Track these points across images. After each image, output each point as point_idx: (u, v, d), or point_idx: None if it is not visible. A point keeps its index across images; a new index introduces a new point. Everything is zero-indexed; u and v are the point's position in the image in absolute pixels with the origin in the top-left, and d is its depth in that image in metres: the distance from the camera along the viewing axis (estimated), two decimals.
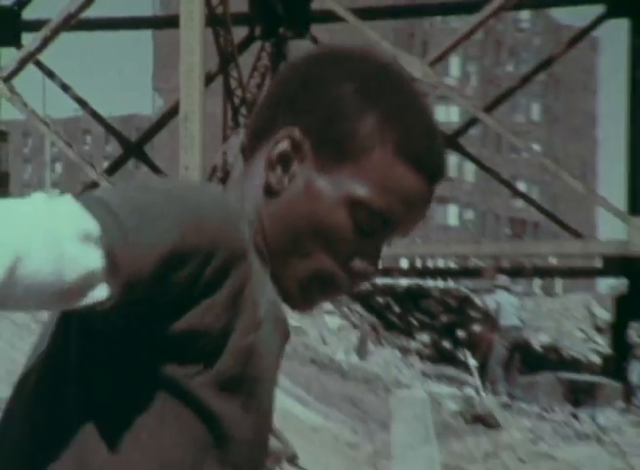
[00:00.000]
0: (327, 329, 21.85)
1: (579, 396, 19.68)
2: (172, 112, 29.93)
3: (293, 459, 1.93)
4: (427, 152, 1.42)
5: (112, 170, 32.32)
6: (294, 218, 1.38)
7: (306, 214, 1.37)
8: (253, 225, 1.38)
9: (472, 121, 31.96)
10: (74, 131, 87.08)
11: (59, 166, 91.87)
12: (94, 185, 30.59)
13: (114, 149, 64.79)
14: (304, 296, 1.45)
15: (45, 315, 1.41)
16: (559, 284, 40.62)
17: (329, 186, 1.38)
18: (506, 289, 21.56)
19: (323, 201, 1.37)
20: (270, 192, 1.40)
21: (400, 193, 1.41)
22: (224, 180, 28.06)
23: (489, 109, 30.44)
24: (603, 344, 30.50)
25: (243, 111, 29.61)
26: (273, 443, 1.72)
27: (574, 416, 18.03)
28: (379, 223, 1.41)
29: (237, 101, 29.54)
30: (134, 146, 32.85)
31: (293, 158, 1.38)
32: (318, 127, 1.38)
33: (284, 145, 1.39)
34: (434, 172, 1.44)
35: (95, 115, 33.06)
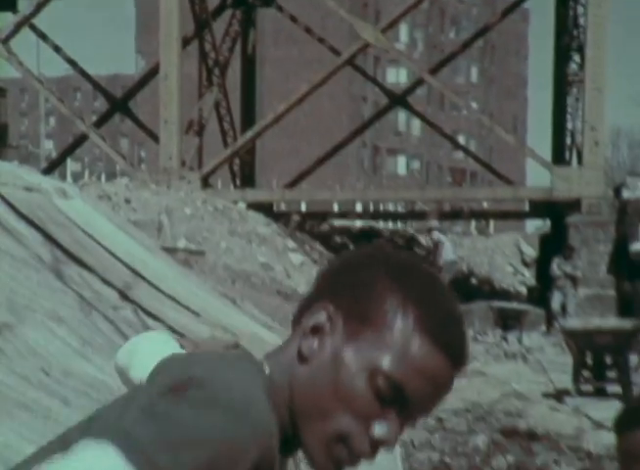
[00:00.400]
0: (291, 265, 21.86)
1: (508, 321, 19.83)
2: (153, 72, 29.77)
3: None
4: (447, 332, 1.38)
5: (99, 123, 32.12)
6: (320, 384, 1.35)
7: (331, 380, 1.34)
8: (283, 392, 1.37)
9: (418, 82, 31.90)
10: (66, 89, 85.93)
11: (52, 120, 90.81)
12: (84, 137, 30.44)
13: (101, 105, 63.98)
14: (329, 459, 1.37)
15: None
16: (492, 225, 40.82)
17: (353, 355, 1.34)
18: (440, 230, 21.67)
19: (346, 368, 1.33)
20: (302, 358, 1.38)
21: (419, 367, 1.35)
22: (200, 133, 27.96)
23: (434, 71, 30.41)
24: (529, 276, 30.81)
25: (216, 71, 29.43)
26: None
27: (504, 339, 18.24)
28: (398, 394, 1.34)
29: (211, 63, 29.35)
30: (119, 102, 32.62)
31: (325, 329, 1.37)
32: (350, 303, 1.37)
33: (318, 317, 1.37)
34: (453, 353, 1.38)
35: (84, 73, 32.76)
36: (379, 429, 1.33)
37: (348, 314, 1.36)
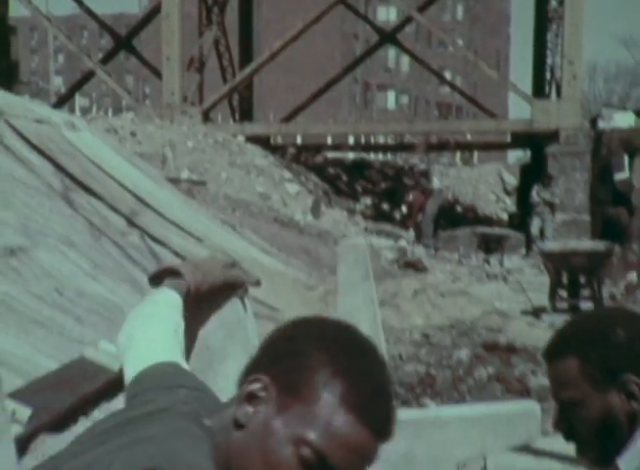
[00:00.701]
0: (287, 194, 21.84)
1: (490, 245, 19.88)
2: (155, 11, 29.33)
3: (257, 284, 2.00)
4: (372, 408, 1.37)
5: (105, 61, 31.78)
6: (252, 450, 1.36)
7: (261, 448, 1.34)
8: (224, 455, 1.39)
9: (407, 20, 31.57)
10: (73, 27, 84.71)
11: (61, 57, 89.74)
12: (91, 73, 30.18)
13: (107, 43, 63.18)
14: None
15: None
16: (475, 156, 40.73)
17: (282, 425, 1.35)
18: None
19: (275, 437, 1.34)
20: (237, 424, 1.39)
21: (343, 440, 1.34)
22: (200, 70, 27.70)
23: (422, 9, 30.02)
24: (510, 204, 30.87)
25: (215, 10, 29.01)
26: (238, 273, 1.78)
27: (486, 261, 18.33)
28: (322, 464, 1.33)
29: (210, 2, 28.92)
30: (124, 40, 32.25)
31: (259, 398, 1.37)
32: (284, 374, 1.37)
33: (254, 386, 1.38)
34: (377, 427, 1.37)
35: (90, 12, 32.31)
36: None
37: (282, 385, 1.36)
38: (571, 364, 1.98)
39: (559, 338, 2.06)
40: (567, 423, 2.00)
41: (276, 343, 1.44)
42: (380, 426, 1.37)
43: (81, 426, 3.98)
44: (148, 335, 1.74)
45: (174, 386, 1.55)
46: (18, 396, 3.79)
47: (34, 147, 9.07)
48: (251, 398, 1.38)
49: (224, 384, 2.07)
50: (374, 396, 1.38)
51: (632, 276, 12.47)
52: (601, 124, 19.87)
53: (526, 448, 4.92)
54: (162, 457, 1.25)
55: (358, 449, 1.35)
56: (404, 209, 21.88)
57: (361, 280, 4.20)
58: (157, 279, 1.87)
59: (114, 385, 4.33)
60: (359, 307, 4.17)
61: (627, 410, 1.94)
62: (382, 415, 1.38)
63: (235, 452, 1.38)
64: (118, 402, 4.44)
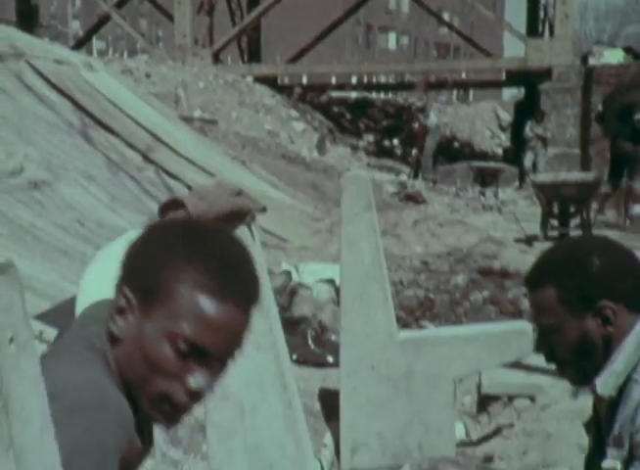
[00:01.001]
0: (294, 132, 21.78)
1: (486, 178, 19.85)
2: None
3: (263, 210, 1.98)
4: (224, 283, 1.34)
5: (120, 5, 31.27)
6: (134, 358, 1.34)
7: (140, 353, 1.32)
8: (114, 370, 1.36)
9: None
10: None
11: (78, 1, 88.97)
12: (107, 17, 29.81)
13: None
14: (161, 416, 1.37)
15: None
16: (471, 94, 40.41)
17: (151, 327, 1.32)
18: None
19: (149, 340, 1.31)
20: (115, 339, 1.36)
21: (207, 323, 1.32)
22: (210, 13, 27.39)
23: None
24: (505, 139, 30.69)
25: None
26: (244, 201, 1.76)
27: (482, 194, 18.31)
28: (198, 350, 1.32)
29: None
30: None
31: (125, 309, 1.34)
32: (139, 281, 1.34)
33: (119, 300, 1.36)
34: (235, 300, 1.34)
35: None
36: (192, 382, 1.33)
37: (140, 291, 1.33)
38: (549, 293, 1.97)
39: (538, 268, 2.06)
40: (547, 346, 2.03)
41: (129, 254, 1.40)
42: (238, 298, 1.35)
43: None
44: (99, 274, 1.68)
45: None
46: (44, 318, 3.82)
47: (54, 86, 9.01)
48: (119, 312, 1.36)
49: None
50: (225, 271, 1.35)
51: (638, 209, 12.44)
52: (591, 61, 19.67)
53: (518, 365, 4.97)
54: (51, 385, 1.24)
55: (224, 326, 1.34)
56: (399, 140, 21.76)
57: (364, 210, 4.18)
58: (163, 211, 1.85)
59: None
60: (362, 236, 4.16)
61: (603, 334, 1.96)
62: (238, 287, 1.35)
63: (122, 365, 1.36)
64: None
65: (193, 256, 1.35)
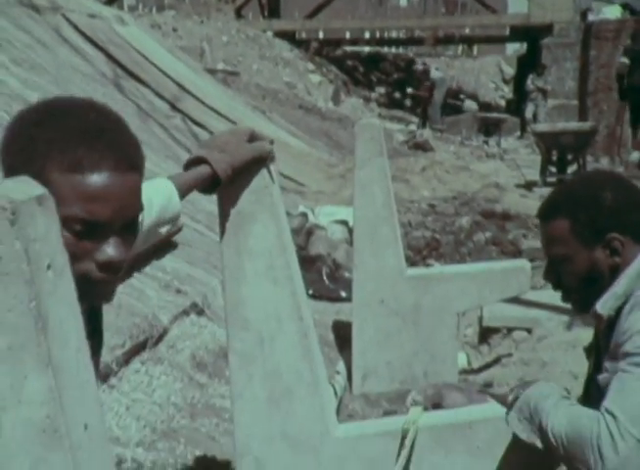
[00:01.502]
0: (311, 83, 21.63)
1: (489, 128, 19.75)
2: None
3: (272, 143, 1.96)
4: (89, 156, 1.23)
5: None
6: None
7: None
8: None
9: None
10: None
11: None
12: None
13: None
14: (91, 295, 1.29)
15: None
16: (476, 49, 39.92)
17: None
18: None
19: None
20: None
21: (86, 195, 1.23)
22: None
23: None
24: (507, 91, 30.40)
25: None
26: (261, 145, 1.71)
27: (485, 142, 18.18)
28: (89, 225, 1.24)
29: None
30: None
31: None
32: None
33: None
34: (106, 165, 1.24)
35: None
36: (99, 256, 1.25)
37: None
38: (562, 224, 1.97)
39: (552, 201, 2.05)
40: (555, 275, 2.03)
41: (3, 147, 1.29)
42: (107, 164, 1.25)
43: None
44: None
45: None
46: None
47: (89, 39, 8.94)
48: None
49: (254, 242, 2.07)
50: (86, 144, 1.24)
51: (637, 155, 12.31)
52: (590, 17, 19.36)
53: (517, 300, 4.97)
54: None
55: (104, 195, 1.25)
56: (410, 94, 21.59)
57: (376, 156, 4.15)
58: (187, 168, 1.78)
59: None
60: (374, 180, 4.13)
61: (610, 264, 1.96)
62: (103, 155, 1.24)
63: None
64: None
65: (53, 138, 1.24)
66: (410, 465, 2.10)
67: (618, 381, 1.79)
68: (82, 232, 1.24)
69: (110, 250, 1.27)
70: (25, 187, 0.92)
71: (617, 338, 1.91)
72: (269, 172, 2.06)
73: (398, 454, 2.08)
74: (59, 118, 1.27)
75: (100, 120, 1.28)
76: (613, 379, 1.82)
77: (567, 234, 1.97)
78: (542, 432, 1.86)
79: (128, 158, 1.28)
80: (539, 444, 1.88)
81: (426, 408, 2.24)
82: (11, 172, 1.22)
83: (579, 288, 2.00)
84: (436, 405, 2.31)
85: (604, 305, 1.96)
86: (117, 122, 1.32)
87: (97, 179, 1.24)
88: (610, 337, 1.97)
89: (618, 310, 1.94)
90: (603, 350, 2.03)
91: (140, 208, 1.34)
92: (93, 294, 1.31)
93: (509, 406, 1.98)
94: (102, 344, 1.53)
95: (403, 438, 2.10)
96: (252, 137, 1.94)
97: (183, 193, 1.75)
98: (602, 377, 1.96)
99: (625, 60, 11.52)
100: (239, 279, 2.09)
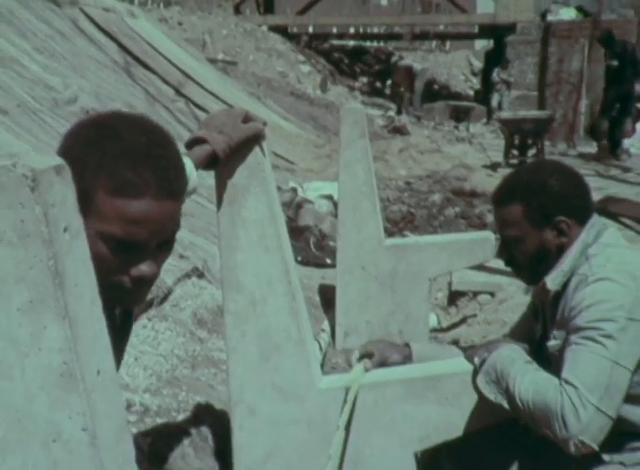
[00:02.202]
0: (301, 73, 21.46)
1: (460, 115, 19.71)
2: None
3: (265, 124, 1.92)
4: (122, 178, 1.20)
5: None
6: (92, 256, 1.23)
7: (91, 253, 1.16)
8: None
9: None
10: None
11: None
12: None
13: None
14: (119, 301, 1.30)
15: None
16: (448, 44, 39.71)
17: (90, 229, 1.16)
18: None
19: (91, 241, 1.11)
20: None
21: (127, 219, 1.20)
22: None
23: None
24: (476, 82, 30.27)
25: None
26: (256, 125, 1.68)
27: (456, 128, 18.14)
28: (127, 243, 1.22)
29: None
30: None
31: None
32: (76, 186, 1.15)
33: None
34: (150, 192, 1.21)
35: None
36: (133, 271, 1.25)
37: (78, 196, 1.15)
38: (516, 209, 1.98)
39: (505, 188, 2.05)
40: (508, 253, 2.04)
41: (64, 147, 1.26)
42: (151, 191, 1.21)
43: None
44: None
45: None
46: None
47: (103, 30, 8.83)
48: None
49: (247, 213, 2.06)
50: (134, 169, 1.20)
51: (627, 142, 12.28)
52: (549, 17, 19.31)
53: (482, 267, 4.98)
54: None
55: (145, 220, 1.22)
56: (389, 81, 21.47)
57: (359, 137, 4.12)
58: (189, 147, 1.76)
59: None
60: (357, 159, 4.11)
61: (557, 244, 1.98)
62: (149, 181, 1.21)
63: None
64: None
65: (104, 159, 1.20)
66: (353, 420, 2.08)
67: (573, 353, 1.79)
68: (119, 249, 1.23)
69: (143, 267, 1.26)
70: (45, 158, 0.91)
71: (566, 311, 1.91)
72: (262, 150, 2.04)
73: (342, 411, 2.06)
74: (110, 139, 1.22)
75: (149, 145, 1.24)
76: (567, 351, 1.81)
77: (520, 218, 1.97)
78: (509, 396, 1.84)
79: (170, 185, 1.24)
80: (506, 405, 1.86)
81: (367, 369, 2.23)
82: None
83: (529, 265, 2.01)
84: (382, 364, 2.29)
85: (553, 282, 1.97)
86: (165, 147, 1.27)
87: (138, 205, 1.21)
88: (556, 308, 1.98)
89: (564, 285, 1.95)
90: (549, 319, 2.04)
91: (176, 228, 1.31)
92: (125, 300, 1.31)
93: (476, 369, 1.96)
94: (129, 334, 1.53)
95: (346, 394, 2.09)
96: (247, 118, 1.92)
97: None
98: (551, 344, 1.96)
99: (615, 62, 11.48)
100: (233, 246, 2.07)
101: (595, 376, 1.72)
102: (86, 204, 1.19)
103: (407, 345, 2.37)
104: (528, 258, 1.99)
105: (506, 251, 2.04)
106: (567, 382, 1.73)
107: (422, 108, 20.45)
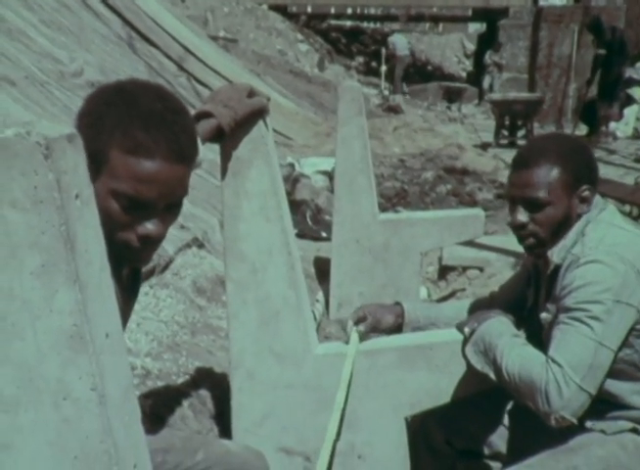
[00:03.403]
0: (299, 52, 21.29)
1: (452, 96, 19.65)
2: None
3: (268, 100, 1.90)
4: (149, 142, 1.22)
5: None
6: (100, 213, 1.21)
7: (99, 211, 1.12)
8: None
9: None
10: None
11: None
12: None
13: None
14: (127, 258, 1.31)
15: None
16: (442, 27, 39.45)
17: (101, 187, 1.20)
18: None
19: (101, 199, 1.17)
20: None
21: (138, 177, 1.22)
22: None
23: None
24: (468, 64, 30.12)
25: None
26: (260, 99, 1.66)
27: (448, 108, 18.11)
28: (138, 202, 1.24)
29: None
30: None
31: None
32: (86, 148, 1.11)
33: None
34: (162, 154, 1.23)
35: None
36: (140, 230, 1.26)
37: (89, 157, 1.12)
38: (550, 171, 1.88)
39: (539, 149, 1.93)
40: (526, 217, 1.92)
41: (77, 121, 1.28)
42: (164, 153, 1.23)
43: None
44: None
45: None
46: None
47: (107, 5, 8.73)
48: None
49: (250, 185, 2.06)
50: (148, 131, 1.22)
51: (613, 125, 12.25)
52: (541, 2, 19.23)
53: (472, 243, 4.99)
54: None
55: (156, 180, 1.23)
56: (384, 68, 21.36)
57: (356, 114, 4.10)
58: (196, 119, 1.74)
59: None
60: (354, 136, 4.10)
61: (579, 213, 1.93)
62: (162, 144, 1.23)
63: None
64: None
65: (121, 120, 1.22)
66: (350, 387, 2.09)
67: (561, 332, 1.78)
68: (129, 207, 1.24)
69: (150, 226, 1.27)
70: (58, 127, 0.90)
71: (558, 289, 1.90)
72: (265, 124, 2.04)
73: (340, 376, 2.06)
74: (128, 103, 1.24)
75: (164, 111, 1.25)
76: (555, 329, 1.81)
77: (553, 180, 1.88)
78: (496, 367, 1.85)
79: (181, 150, 1.26)
80: (492, 376, 1.87)
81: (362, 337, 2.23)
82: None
83: (550, 230, 1.92)
84: (374, 329, 2.30)
85: (558, 255, 1.94)
86: (179, 114, 1.28)
87: (149, 165, 1.23)
88: (552, 282, 1.96)
89: (562, 260, 1.93)
90: (545, 291, 2.04)
91: (184, 193, 1.31)
92: (131, 259, 1.33)
93: (466, 338, 1.96)
94: (137, 295, 1.54)
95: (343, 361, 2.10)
96: (251, 93, 1.91)
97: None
98: (543, 316, 1.96)
99: (602, 51, 11.41)
100: (236, 217, 2.08)
101: (580, 356, 1.73)
102: (101, 162, 1.22)
103: (398, 303, 2.37)
104: (552, 223, 1.91)
105: (525, 215, 1.92)
106: (553, 360, 1.74)
107: (403, 90, 20.43)
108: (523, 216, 1.93)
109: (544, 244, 1.96)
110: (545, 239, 1.95)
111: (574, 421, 1.74)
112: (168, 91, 1.33)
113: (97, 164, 1.20)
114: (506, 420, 2.18)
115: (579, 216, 1.94)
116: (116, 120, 1.23)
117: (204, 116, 1.76)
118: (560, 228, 1.94)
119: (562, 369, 1.72)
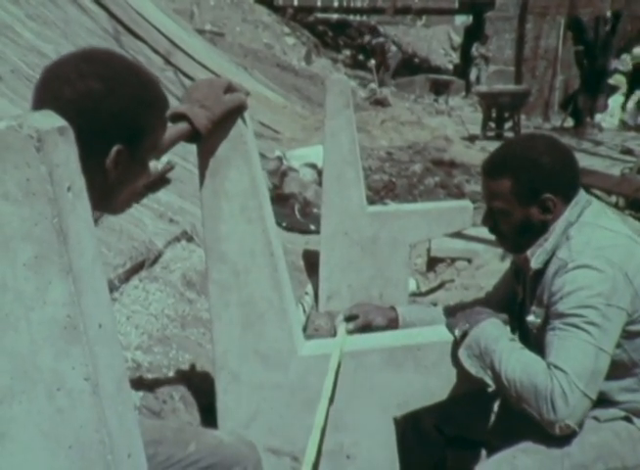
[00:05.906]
0: (286, 45, 21.21)
1: (439, 88, 19.67)
2: None
3: (247, 94, 1.88)
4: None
5: None
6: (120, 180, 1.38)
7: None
8: None
9: None
10: None
11: None
12: None
13: None
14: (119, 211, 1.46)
15: None
16: (428, 18, 39.44)
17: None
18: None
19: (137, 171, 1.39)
20: (109, 169, 1.32)
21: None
22: None
23: None
24: (455, 57, 30.15)
25: None
26: (238, 96, 1.64)
27: (436, 101, 18.13)
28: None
29: None
30: None
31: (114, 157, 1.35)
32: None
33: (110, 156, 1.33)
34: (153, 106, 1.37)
35: None
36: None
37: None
38: (505, 184, 1.94)
39: (497, 160, 1.99)
40: (492, 222, 2.02)
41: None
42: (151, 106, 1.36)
43: None
44: None
45: None
46: None
47: None
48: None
49: (229, 185, 2.03)
50: (133, 95, 1.34)
51: (599, 117, 12.30)
52: None
53: (460, 235, 5.01)
54: None
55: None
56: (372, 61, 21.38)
57: (343, 107, 4.10)
58: (171, 121, 1.71)
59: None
60: (342, 129, 4.09)
61: (541, 220, 1.95)
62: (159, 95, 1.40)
63: (114, 186, 1.37)
64: None
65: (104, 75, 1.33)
66: (337, 385, 2.08)
67: (559, 339, 1.78)
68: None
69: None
70: (50, 119, 0.90)
71: (546, 292, 1.91)
72: (244, 122, 1.99)
73: (325, 378, 2.04)
74: (111, 73, 1.34)
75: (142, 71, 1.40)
76: (551, 335, 1.81)
77: (507, 192, 1.94)
78: (494, 373, 1.83)
79: (154, 101, 1.43)
80: (488, 380, 1.85)
81: (351, 332, 2.23)
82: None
83: (512, 236, 2.00)
84: (364, 329, 2.29)
85: (536, 261, 1.96)
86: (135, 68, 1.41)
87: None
88: (536, 284, 1.98)
89: (545, 263, 1.95)
90: (530, 293, 2.05)
91: None
92: (117, 212, 1.47)
93: (457, 340, 1.94)
94: None
95: (329, 361, 2.08)
96: (229, 88, 1.85)
97: (166, 147, 1.70)
98: (530, 319, 1.97)
99: (581, 47, 11.48)
100: (217, 218, 2.04)
101: (582, 362, 1.73)
102: (139, 135, 1.34)
103: (393, 308, 2.36)
104: (512, 231, 1.98)
105: (491, 219, 2.02)
106: (556, 367, 1.73)
107: (391, 83, 20.52)
108: (487, 221, 2.03)
109: (515, 246, 2.01)
110: (513, 243, 2.01)
111: (577, 429, 1.74)
112: (117, 53, 1.44)
113: (137, 138, 1.33)
114: (496, 407, 2.19)
115: (544, 223, 1.95)
116: (101, 71, 1.33)
117: (178, 118, 1.72)
118: (524, 234, 1.97)
119: (567, 376, 1.71)
